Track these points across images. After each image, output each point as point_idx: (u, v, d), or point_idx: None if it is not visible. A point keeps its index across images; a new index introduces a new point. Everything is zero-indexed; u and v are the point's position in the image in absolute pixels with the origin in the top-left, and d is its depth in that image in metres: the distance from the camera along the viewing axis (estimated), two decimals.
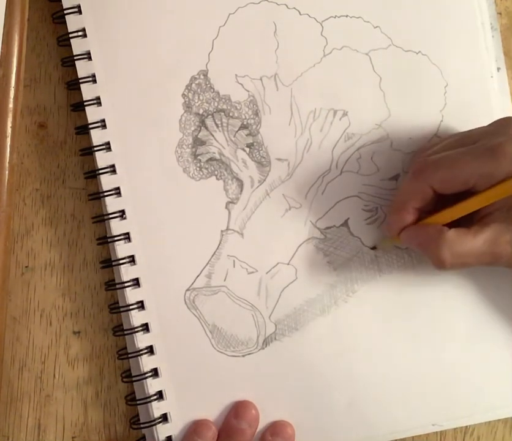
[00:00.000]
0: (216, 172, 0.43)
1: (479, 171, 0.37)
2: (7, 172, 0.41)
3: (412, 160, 0.42)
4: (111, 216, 0.42)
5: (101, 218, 0.42)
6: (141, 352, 0.42)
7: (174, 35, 0.43)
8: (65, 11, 0.42)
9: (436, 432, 0.44)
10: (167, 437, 0.42)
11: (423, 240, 0.39)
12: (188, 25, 0.43)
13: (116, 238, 0.42)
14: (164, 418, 0.42)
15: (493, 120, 0.40)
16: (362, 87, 0.43)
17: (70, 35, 0.42)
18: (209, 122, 0.43)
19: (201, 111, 0.43)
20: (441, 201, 0.39)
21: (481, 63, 0.44)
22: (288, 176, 0.43)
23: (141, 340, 0.42)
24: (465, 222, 0.39)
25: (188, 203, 0.43)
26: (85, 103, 0.42)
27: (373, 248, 0.43)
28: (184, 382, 0.42)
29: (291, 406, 0.43)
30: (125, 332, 0.42)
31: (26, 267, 0.44)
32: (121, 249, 0.42)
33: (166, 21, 0.43)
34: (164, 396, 0.42)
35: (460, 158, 0.38)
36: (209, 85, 0.43)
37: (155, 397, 0.42)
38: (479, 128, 0.40)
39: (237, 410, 0.42)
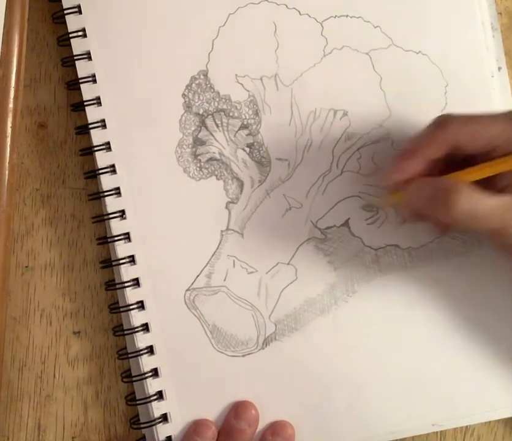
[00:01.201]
0: (216, 172, 0.43)
1: (504, 134, 0.37)
2: (7, 172, 0.41)
3: (434, 118, 0.40)
4: (111, 216, 0.42)
5: (101, 218, 0.42)
6: (141, 352, 0.42)
7: (174, 35, 0.43)
8: (65, 11, 0.42)
9: (436, 432, 0.44)
10: (167, 437, 0.42)
11: (435, 192, 0.38)
12: (189, 25, 0.43)
13: (116, 238, 0.42)
14: (164, 418, 0.42)
15: None
16: (363, 87, 0.43)
17: (70, 35, 0.42)
18: (209, 122, 0.43)
19: (201, 111, 0.43)
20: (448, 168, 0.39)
21: (482, 63, 0.44)
22: (289, 176, 0.43)
23: (141, 340, 0.42)
24: None
25: (188, 203, 0.43)
26: (85, 103, 0.42)
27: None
28: (184, 382, 0.42)
29: (291, 406, 0.43)
30: (125, 332, 0.42)
31: (26, 267, 0.44)
32: (121, 249, 0.42)
33: (166, 21, 0.43)
34: (164, 396, 0.42)
35: (488, 119, 0.38)
36: (209, 85, 0.43)
37: (155, 397, 0.42)
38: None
39: (237, 410, 0.42)
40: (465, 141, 0.38)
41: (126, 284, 0.42)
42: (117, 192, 0.42)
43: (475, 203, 0.37)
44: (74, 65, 0.43)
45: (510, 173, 0.38)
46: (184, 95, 0.43)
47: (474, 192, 0.37)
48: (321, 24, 0.43)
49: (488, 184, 0.38)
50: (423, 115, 0.43)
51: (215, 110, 0.43)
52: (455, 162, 0.39)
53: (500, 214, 0.37)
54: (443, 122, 0.39)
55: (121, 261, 0.42)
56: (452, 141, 0.38)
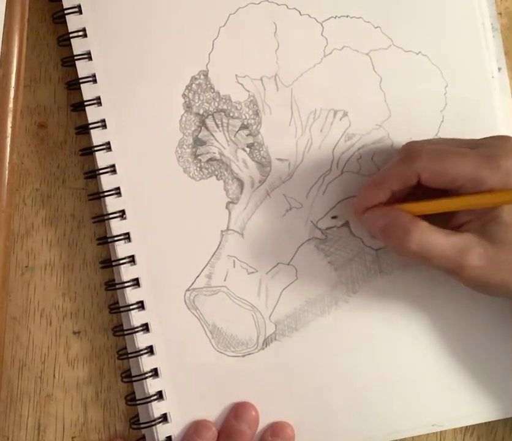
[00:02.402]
0: (216, 172, 0.43)
1: (471, 174, 0.37)
2: (7, 172, 0.41)
3: (404, 146, 0.41)
4: (111, 216, 0.42)
5: (101, 218, 0.42)
6: (141, 352, 0.42)
7: (174, 35, 0.43)
8: (66, 11, 0.42)
9: (436, 432, 0.44)
10: (167, 437, 0.42)
11: (391, 223, 0.38)
12: (189, 25, 0.43)
13: (116, 238, 0.42)
14: (164, 418, 0.42)
15: (493, 135, 0.39)
16: (363, 88, 0.43)
17: (70, 35, 0.42)
18: (209, 122, 0.43)
19: (201, 111, 0.43)
20: (414, 196, 0.39)
21: (482, 63, 0.44)
22: (289, 176, 0.43)
23: (141, 340, 0.42)
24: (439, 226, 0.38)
25: (189, 203, 0.43)
26: (85, 103, 0.42)
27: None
28: (184, 382, 0.42)
29: (291, 406, 0.43)
30: (125, 332, 0.42)
31: (26, 267, 0.44)
32: (121, 249, 0.42)
33: (167, 21, 0.43)
34: (164, 396, 0.42)
35: (456, 156, 0.37)
36: (209, 85, 0.43)
37: (155, 397, 0.42)
38: (477, 139, 0.40)
39: (237, 411, 0.42)
40: (428, 179, 0.38)
41: (126, 284, 0.42)
42: (117, 192, 0.42)
43: (428, 242, 0.37)
44: (74, 65, 0.42)
45: (469, 211, 0.38)
46: (184, 95, 0.43)
47: (428, 230, 0.37)
48: (322, 25, 0.43)
49: (447, 217, 0.38)
50: (423, 115, 0.43)
51: (215, 110, 0.43)
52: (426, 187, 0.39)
53: (452, 255, 0.37)
54: (409, 157, 0.38)
55: (121, 261, 0.42)
56: (414, 177, 0.38)
